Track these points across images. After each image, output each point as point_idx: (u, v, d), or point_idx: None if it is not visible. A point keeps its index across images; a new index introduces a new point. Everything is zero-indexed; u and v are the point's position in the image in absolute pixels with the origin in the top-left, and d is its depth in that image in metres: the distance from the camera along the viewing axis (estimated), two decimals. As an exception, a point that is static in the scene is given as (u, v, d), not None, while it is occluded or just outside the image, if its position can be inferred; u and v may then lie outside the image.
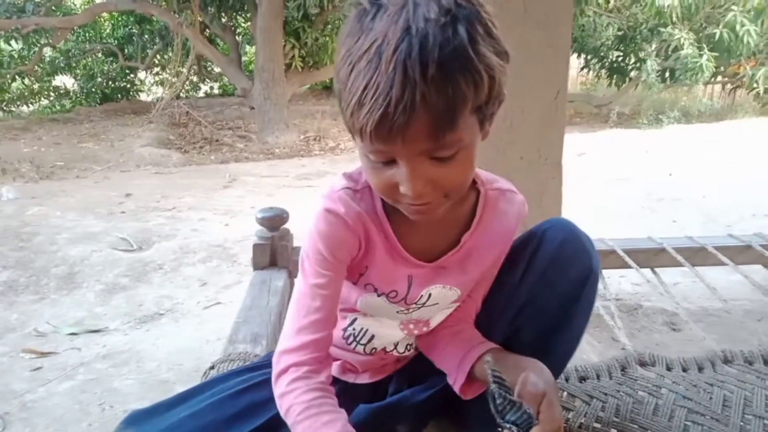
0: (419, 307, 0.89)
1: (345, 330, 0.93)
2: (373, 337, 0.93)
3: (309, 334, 0.80)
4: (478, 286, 0.92)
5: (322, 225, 0.80)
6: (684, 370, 1.14)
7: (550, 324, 0.86)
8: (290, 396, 0.78)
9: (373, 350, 0.94)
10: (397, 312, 0.89)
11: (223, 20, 9.81)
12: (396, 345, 0.95)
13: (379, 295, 0.87)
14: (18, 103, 10.41)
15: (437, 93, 0.61)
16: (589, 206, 3.95)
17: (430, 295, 0.87)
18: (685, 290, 2.49)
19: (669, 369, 1.14)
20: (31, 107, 10.57)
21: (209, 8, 9.10)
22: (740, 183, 4.43)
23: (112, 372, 1.99)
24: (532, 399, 0.71)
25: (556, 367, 0.95)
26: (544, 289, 0.85)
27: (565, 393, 1.07)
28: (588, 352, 1.75)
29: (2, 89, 9.83)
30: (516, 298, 0.88)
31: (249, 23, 9.65)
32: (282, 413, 0.79)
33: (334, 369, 0.95)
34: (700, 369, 1.14)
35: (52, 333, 2.31)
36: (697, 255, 1.55)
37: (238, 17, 10.35)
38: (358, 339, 0.93)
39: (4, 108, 10.07)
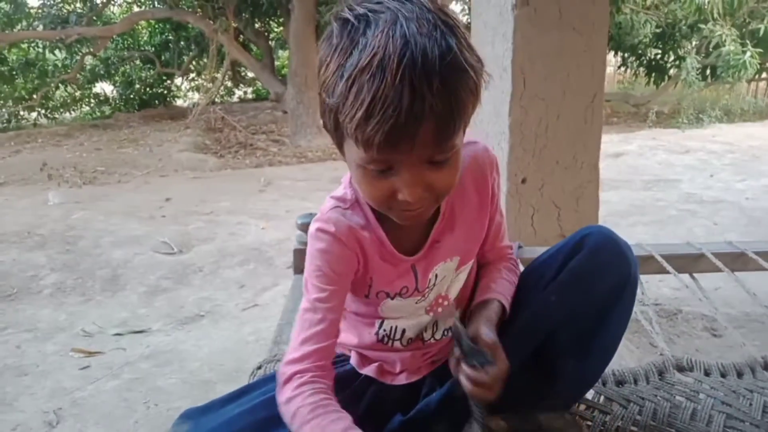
0: (432, 289, 0.91)
1: (377, 334, 0.96)
2: (404, 330, 0.95)
3: (312, 344, 0.83)
4: (475, 240, 0.94)
5: (318, 244, 0.84)
6: (723, 376, 1.13)
7: (587, 328, 0.87)
8: (296, 400, 0.80)
9: (410, 341, 0.96)
10: (417, 303, 0.92)
11: (257, 26, 10.00)
12: (433, 332, 0.97)
13: (393, 298, 0.90)
14: (61, 110, 10.82)
15: (442, 103, 0.65)
16: (628, 208, 3.90)
17: (436, 275, 0.90)
18: (726, 295, 2.43)
19: (707, 374, 1.13)
20: (73, 114, 10.98)
21: (243, 14, 9.27)
22: (785, 184, 4.29)
23: (156, 371, 2.06)
24: (487, 346, 0.79)
25: (594, 371, 0.95)
26: (581, 294, 0.87)
27: (602, 397, 1.08)
28: (626, 357, 1.73)
29: (47, 97, 10.22)
30: (548, 300, 0.89)
31: (282, 29, 9.80)
32: (287, 419, 0.80)
33: (372, 371, 0.97)
34: (740, 375, 1.13)
35: (99, 333, 2.39)
36: (737, 260, 1.53)
37: (272, 23, 10.53)
38: (392, 336, 0.95)
39: (48, 115, 10.48)
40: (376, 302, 0.91)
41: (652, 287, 2.54)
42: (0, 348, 2.25)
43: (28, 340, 2.32)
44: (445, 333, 0.98)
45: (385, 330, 0.95)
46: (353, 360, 0.99)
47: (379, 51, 0.64)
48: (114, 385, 1.98)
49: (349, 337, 1.00)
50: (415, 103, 0.63)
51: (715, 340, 2.19)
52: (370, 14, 0.67)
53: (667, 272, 1.45)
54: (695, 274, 1.52)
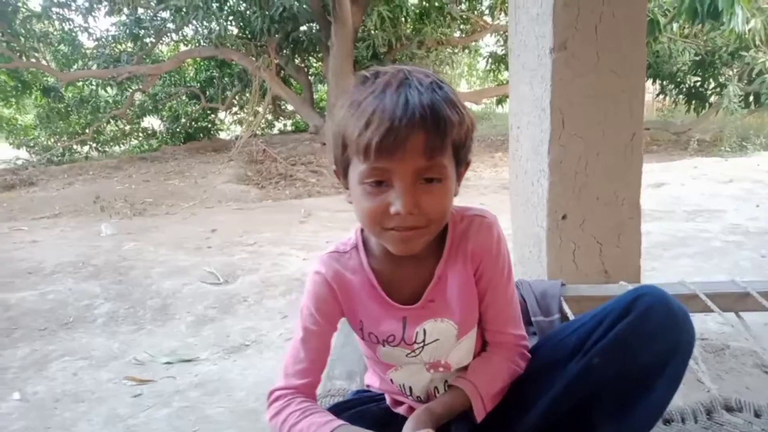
0: (422, 346, 0.93)
1: (394, 385, 1.01)
2: (411, 388, 0.99)
3: (296, 379, 0.93)
4: (482, 312, 0.95)
5: (308, 285, 0.96)
6: (774, 418, 1.12)
7: (631, 394, 0.85)
8: (285, 411, 0.89)
9: (419, 399, 1.00)
10: (407, 356, 0.95)
11: (297, 62, 10.32)
12: (445, 390, 0.98)
13: (383, 345, 0.94)
14: (111, 143, 11.34)
15: (432, 116, 0.76)
16: (671, 239, 3.83)
17: (425, 331, 0.92)
18: (778, 331, 2.36)
19: (758, 415, 1.11)
20: (123, 147, 11.48)
21: (284, 51, 9.61)
22: (836, 214, 4.15)
23: (205, 400, 2.13)
24: None
25: None
26: (626, 359, 0.83)
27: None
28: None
29: (99, 131, 10.74)
30: (591, 362, 0.85)
31: (321, 64, 10.09)
32: (278, 427, 0.89)
33: (404, 410, 1.02)
34: (792, 417, 1.11)
35: (150, 362, 2.48)
36: (785, 299, 1.50)
37: (311, 59, 10.86)
38: (405, 392, 1.00)
39: (99, 149, 10.98)
40: (373, 346, 0.96)
41: (697, 321, 2.46)
42: (59, 375, 2.36)
43: (84, 368, 2.43)
44: None
45: (397, 385, 1.00)
46: (388, 399, 1.05)
47: (382, 83, 0.79)
48: (165, 413, 2.05)
49: (373, 379, 1.06)
50: (407, 114, 0.75)
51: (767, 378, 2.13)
52: (380, 71, 0.82)
53: (712, 311, 1.44)
54: (741, 313, 1.51)
